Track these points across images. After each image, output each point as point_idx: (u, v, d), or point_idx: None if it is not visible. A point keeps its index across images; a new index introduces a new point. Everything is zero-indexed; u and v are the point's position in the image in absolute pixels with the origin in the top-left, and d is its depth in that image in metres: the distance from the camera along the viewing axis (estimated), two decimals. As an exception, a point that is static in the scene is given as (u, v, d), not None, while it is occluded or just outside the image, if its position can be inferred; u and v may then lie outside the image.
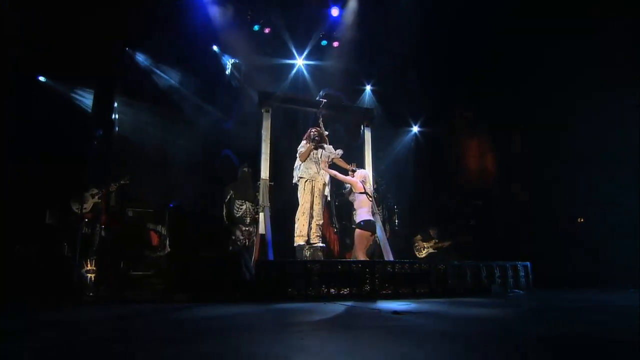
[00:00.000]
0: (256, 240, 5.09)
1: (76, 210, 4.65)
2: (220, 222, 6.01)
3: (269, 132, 5.14)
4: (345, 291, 3.76)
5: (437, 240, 6.87)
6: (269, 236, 4.49)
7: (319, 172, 5.03)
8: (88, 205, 4.93)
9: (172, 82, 7.25)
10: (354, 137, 6.46)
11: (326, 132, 5.29)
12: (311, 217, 4.94)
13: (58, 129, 5.61)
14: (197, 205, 6.47)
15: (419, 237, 6.98)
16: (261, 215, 4.81)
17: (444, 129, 8.49)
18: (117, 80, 6.39)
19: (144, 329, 2.20)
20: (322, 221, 5.10)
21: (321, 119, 5.39)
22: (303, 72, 7.94)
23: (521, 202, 7.12)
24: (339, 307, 3.12)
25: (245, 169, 6.18)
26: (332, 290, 3.73)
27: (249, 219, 5.97)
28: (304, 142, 5.16)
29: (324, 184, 5.08)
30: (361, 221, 4.62)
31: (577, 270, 5.90)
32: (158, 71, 7.18)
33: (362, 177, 4.79)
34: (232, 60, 7.59)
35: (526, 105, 6.99)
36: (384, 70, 8.05)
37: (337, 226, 6.26)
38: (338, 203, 5.86)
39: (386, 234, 5.34)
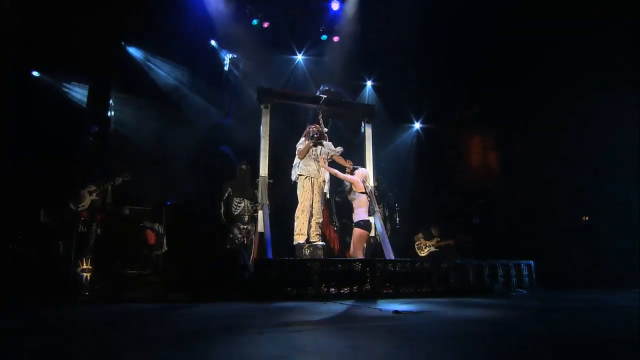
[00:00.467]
0: (255, 238, 5.08)
1: (73, 208, 4.64)
2: (218, 220, 6.01)
3: (268, 129, 5.12)
4: (346, 290, 3.76)
5: (438, 239, 6.88)
6: (268, 234, 4.49)
7: (318, 170, 5.02)
8: (85, 203, 4.93)
9: (169, 77, 7.23)
10: (355, 134, 6.45)
11: (325, 129, 5.28)
12: (311, 215, 4.94)
13: (52, 125, 5.59)
14: (194, 203, 6.46)
15: (420, 235, 6.99)
16: (260, 213, 4.80)
17: (446, 126, 8.50)
18: (112, 76, 6.36)
19: (140, 329, 2.20)
20: (322, 219, 5.09)
21: (321, 115, 5.37)
22: (303, 68, 7.92)
23: (522, 201, 7.14)
24: (339, 306, 3.12)
25: (244, 166, 6.17)
26: (332, 289, 3.73)
27: (247, 217, 5.96)
28: (302, 139, 5.15)
29: (324, 182, 5.08)
30: (361, 221, 4.67)
31: (579, 269, 5.94)
32: (154, 66, 7.16)
33: (363, 177, 4.83)
34: (231, 56, 7.56)
35: (527, 104, 7.02)
36: (385, 65, 8.04)
37: (337, 224, 6.26)
38: (339, 199, 5.85)
39: (387, 232, 5.34)
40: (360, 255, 4.57)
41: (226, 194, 6.02)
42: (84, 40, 5.81)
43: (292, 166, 5.19)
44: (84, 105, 6.30)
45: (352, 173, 4.90)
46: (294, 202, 5.04)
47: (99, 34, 5.97)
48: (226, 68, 7.50)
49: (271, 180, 5.02)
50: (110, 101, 6.49)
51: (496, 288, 4.32)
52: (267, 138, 5.10)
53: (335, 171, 4.94)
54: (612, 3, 5.84)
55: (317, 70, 7.88)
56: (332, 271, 3.78)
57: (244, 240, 5.86)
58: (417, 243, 6.96)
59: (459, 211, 7.66)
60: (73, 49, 5.82)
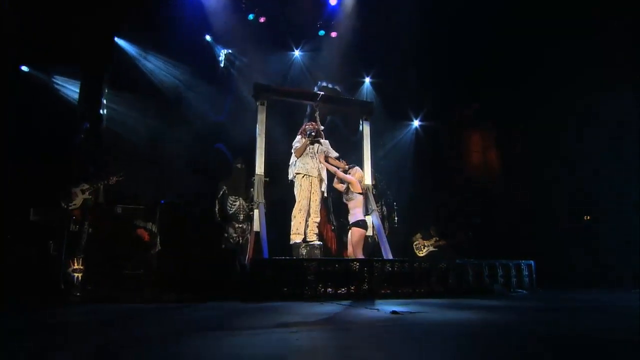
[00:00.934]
0: (250, 237, 5.07)
1: (64, 207, 4.60)
2: (213, 219, 5.99)
3: (264, 126, 5.10)
4: (343, 290, 3.75)
5: (437, 239, 6.89)
6: (264, 234, 4.48)
7: (316, 167, 5.01)
8: (77, 202, 4.88)
9: (163, 73, 7.18)
10: (353, 131, 6.44)
11: (322, 127, 5.26)
12: (308, 214, 4.93)
13: (43, 121, 5.55)
14: (189, 201, 6.43)
15: (419, 235, 7.00)
16: (256, 212, 4.78)
17: (445, 125, 8.52)
18: (105, 71, 6.30)
19: (133, 330, 2.19)
20: (319, 218, 5.08)
21: (317, 112, 5.36)
22: (300, 64, 7.89)
23: (522, 200, 7.18)
24: (336, 306, 3.11)
25: (239, 165, 6.15)
26: (330, 289, 3.73)
27: (242, 215, 5.95)
28: (299, 137, 5.12)
29: (321, 180, 5.06)
30: (359, 220, 4.71)
31: (580, 270, 5.98)
32: (148, 62, 7.10)
33: (361, 177, 4.88)
34: (226, 51, 7.52)
35: (527, 104, 7.07)
36: (383, 62, 8.02)
37: (334, 224, 6.26)
38: (336, 199, 5.85)
39: (385, 232, 5.34)
40: (361, 255, 4.58)
41: (221, 192, 6.01)
42: (76, 34, 5.75)
43: (288, 164, 5.16)
44: (76, 102, 6.24)
45: (346, 173, 4.92)
46: (291, 201, 5.03)
47: (91, 27, 5.91)
48: (221, 64, 7.45)
49: (267, 179, 5.00)
50: (103, 99, 6.44)
51: (496, 288, 4.33)
52: (263, 135, 5.08)
53: (335, 169, 4.93)
54: (612, 3, 5.88)
55: (315, 66, 7.85)
56: (329, 271, 3.77)
57: (239, 240, 5.85)
58: (415, 243, 6.97)
59: (458, 211, 7.69)
60: (64, 43, 5.76)
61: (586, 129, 6.36)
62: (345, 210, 4.99)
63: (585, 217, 6.45)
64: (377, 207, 5.50)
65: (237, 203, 5.99)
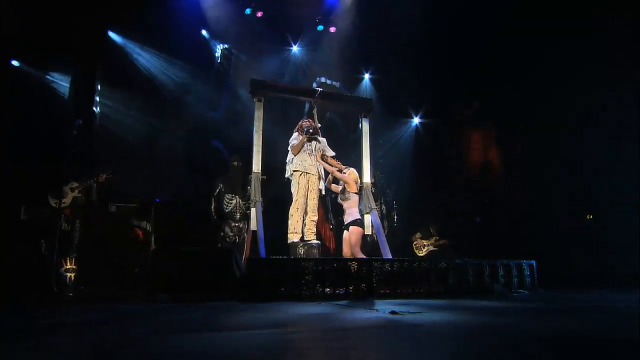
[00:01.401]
0: (247, 236, 5.06)
1: (54, 205, 4.57)
2: (209, 218, 5.97)
3: (261, 123, 5.08)
4: (341, 290, 3.75)
5: (437, 238, 6.89)
6: (261, 233, 4.46)
7: (314, 165, 4.99)
8: (67, 200, 4.86)
9: (158, 69, 7.14)
10: (352, 129, 6.42)
11: (319, 125, 5.24)
12: (305, 212, 4.91)
13: (34, 117, 5.50)
14: (184, 200, 6.41)
15: (418, 234, 7.00)
16: (253, 210, 4.77)
17: (446, 123, 8.53)
18: (98, 66, 6.26)
19: (128, 332, 2.17)
20: (317, 217, 5.07)
21: (315, 109, 5.34)
22: (298, 60, 7.86)
23: (522, 200, 7.21)
24: (334, 307, 3.11)
25: (236, 162, 6.13)
26: (328, 289, 3.72)
27: (239, 214, 5.93)
28: (295, 134, 5.09)
29: (319, 178, 5.04)
30: (357, 219, 4.73)
31: (581, 269, 6.00)
32: (143, 57, 7.06)
33: (356, 178, 4.93)
34: (222, 47, 7.48)
35: (528, 104, 7.10)
36: (383, 58, 8.00)
37: (333, 222, 6.25)
38: (334, 197, 5.84)
39: (384, 231, 5.34)
40: (360, 254, 4.58)
41: (217, 190, 5.98)
42: (68, 28, 5.70)
43: (285, 162, 5.14)
44: (66, 98, 6.20)
45: (341, 173, 4.95)
46: (289, 199, 5.01)
47: (83, 21, 5.86)
48: (218, 59, 7.42)
49: (264, 177, 4.98)
50: (96, 95, 6.40)
51: (496, 288, 4.33)
52: (261, 133, 5.05)
53: (332, 168, 4.92)
54: (612, 1, 5.90)
55: (313, 62, 7.82)
56: (327, 271, 3.76)
57: (235, 239, 5.83)
58: (415, 243, 6.97)
59: (458, 210, 7.70)
60: (56, 36, 5.71)
61: (587, 129, 6.38)
62: (343, 209, 5.00)
63: (587, 217, 6.47)
64: (377, 205, 5.49)
65: (234, 201, 5.97)
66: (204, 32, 7.40)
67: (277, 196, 5.48)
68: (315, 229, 5.05)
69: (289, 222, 4.86)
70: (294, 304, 3.31)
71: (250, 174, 4.98)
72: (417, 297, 3.91)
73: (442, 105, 8.30)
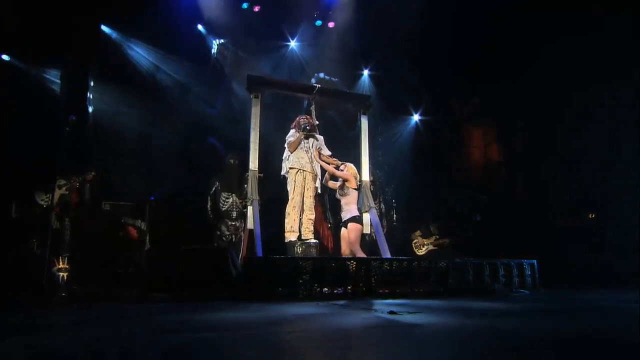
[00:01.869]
0: (244, 235, 5.04)
1: (41, 203, 4.54)
2: (205, 216, 5.95)
3: (258, 120, 5.06)
4: (339, 290, 3.74)
5: (437, 237, 6.89)
6: (258, 231, 4.45)
7: (310, 162, 4.97)
8: (55, 198, 4.81)
9: (153, 63, 7.09)
10: (350, 126, 6.41)
11: (316, 122, 5.22)
12: (302, 211, 4.90)
13: (25, 113, 5.46)
14: (180, 198, 6.38)
15: (418, 233, 6.99)
16: (249, 209, 4.75)
17: (446, 120, 8.53)
18: (91, 61, 6.21)
19: (124, 333, 2.15)
20: (314, 215, 5.05)
21: (313, 106, 5.31)
22: (296, 55, 7.83)
23: (522, 199, 7.22)
24: (332, 307, 3.10)
25: (232, 160, 6.10)
26: (326, 289, 3.72)
27: (235, 213, 5.91)
28: (292, 131, 5.07)
29: (316, 175, 5.02)
30: (356, 216, 4.71)
31: (583, 269, 6.02)
32: (137, 51, 7.00)
33: (355, 173, 4.91)
34: (219, 42, 7.44)
35: (529, 101, 7.13)
36: (383, 54, 7.98)
37: (331, 221, 6.24)
38: (332, 195, 5.83)
39: (383, 230, 5.33)
40: (360, 251, 4.58)
41: (213, 188, 5.96)
42: (60, 21, 5.65)
43: (282, 159, 5.12)
44: (59, 93, 6.14)
45: (338, 169, 4.94)
46: (285, 198, 4.99)
47: (75, 14, 5.81)
48: (214, 55, 7.37)
49: (261, 174, 4.96)
50: (89, 91, 6.35)
51: (497, 288, 4.33)
52: (258, 130, 5.03)
53: (331, 167, 4.91)
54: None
55: (312, 58, 7.79)
56: (325, 270, 3.76)
57: (232, 238, 5.82)
58: (414, 242, 6.97)
59: (458, 208, 7.70)
60: (48, 31, 5.66)
61: (588, 126, 6.40)
62: (341, 206, 4.99)
63: (590, 215, 6.49)
64: (375, 204, 5.49)
65: (230, 200, 5.95)
66: (200, 27, 7.35)
67: (275, 194, 5.46)
68: (312, 228, 5.04)
69: (286, 220, 4.85)
70: (291, 303, 3.30)
71: (247, 171, 4.96)
72: (417, 297, 3.90)
73: (442, 102, 8.29)
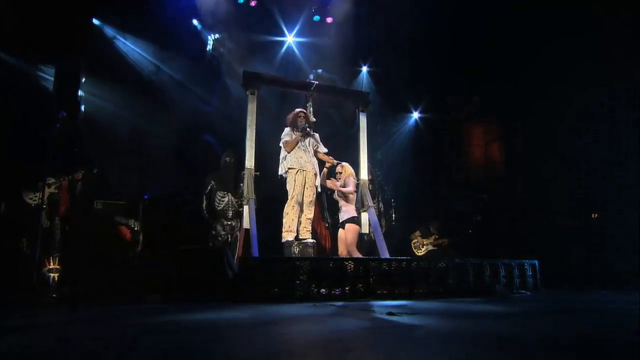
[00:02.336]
0: (240, 235, 5.02)
1: (29, 201, 4.50)
2: (200, 215, 5.93)
3: (254, 117, 5.02)
4: (337, 291, 3.73)
5: (437, 237, 6.89)
6: (254, 231, 4.43)
7: (310, 162, 4.96)
8: (42, 196, 4.77)
9: (148, 59, 7.05)
10: (349, 123, 6.39)
11: (313, 119, 5.20)
12: (301, 210, 4.88)
13: (16, 109, 5.42)
14: (174, 197, 6.35)
15: (417, 233, 6.99)
16: (245, 208, 4.73)
17: (446, 119, 8.54)
18: (82, 56, 6.16)
19: (119, 335, 2.13)
20: (312, 215, 5.04)
21: (310, 103, 5.29)
22: (293, 51, 7.80)
23: (522, 198, 7.24)
24: (329, 307, 3.09)
25: (228, 158, 6.08)
26: (323, 289, 3.70)
27: (231, 212, 5.89)
28: (287, 129, 5.02)
29: (315, 175, 5.01)
30: (354, 216, 4.72)
31: (584, 269, 6.04)
32: (131, 47, 6.96)
33: (352, 173, 4.97)
34: (214, 37, 7.40)
35: (529, 101, 7.15)
36: (382, 50, 7.97)
37: (329, 221, 6.23)
38: (330, 195, 5.82)
39: (382, 229, 5.32)
40: (358, 253, 4.57)
41: (209, 187, 5.94)
42: (51, 15, 5.60)
43: (279, 158, 5.09)
44: (51, 89, 6.08)
45: (335, 169, 4.99)
46: (283, 197, 4.97)
47: (67, 7, 5.76)
48: (209, 50, 7.33)
49: (258, 173, 4.93)
50: (81, 87, 6.29)
51: (498, 289, 4.33)
52: (254, 127, 5.00)
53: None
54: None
55: (309, 54, 7.77)
56: (323, 270, 3.75)
57: (227, 238, 5.80)
58: (414, 241, 6.97)
59: (458, 208, 7.71)
60: (39, 24, 5.61)
61: (588, 126, 6.42)
62: (339, 206, 4.99)
63: (592, 215, 6.51)
64: (374, 203, 5.48)
65: (226, 199, 5.92)
66: (195, 21, 7.31)
67: (271, 193, 5.44)
68: (310, 227, 5.03)
69: (284, 220, 4.83)
70: (288, 304, 3.29)
71: (243, 170, 4.93)
72: (416, 297, 3.90)
73: (442, 100, 8.30)
